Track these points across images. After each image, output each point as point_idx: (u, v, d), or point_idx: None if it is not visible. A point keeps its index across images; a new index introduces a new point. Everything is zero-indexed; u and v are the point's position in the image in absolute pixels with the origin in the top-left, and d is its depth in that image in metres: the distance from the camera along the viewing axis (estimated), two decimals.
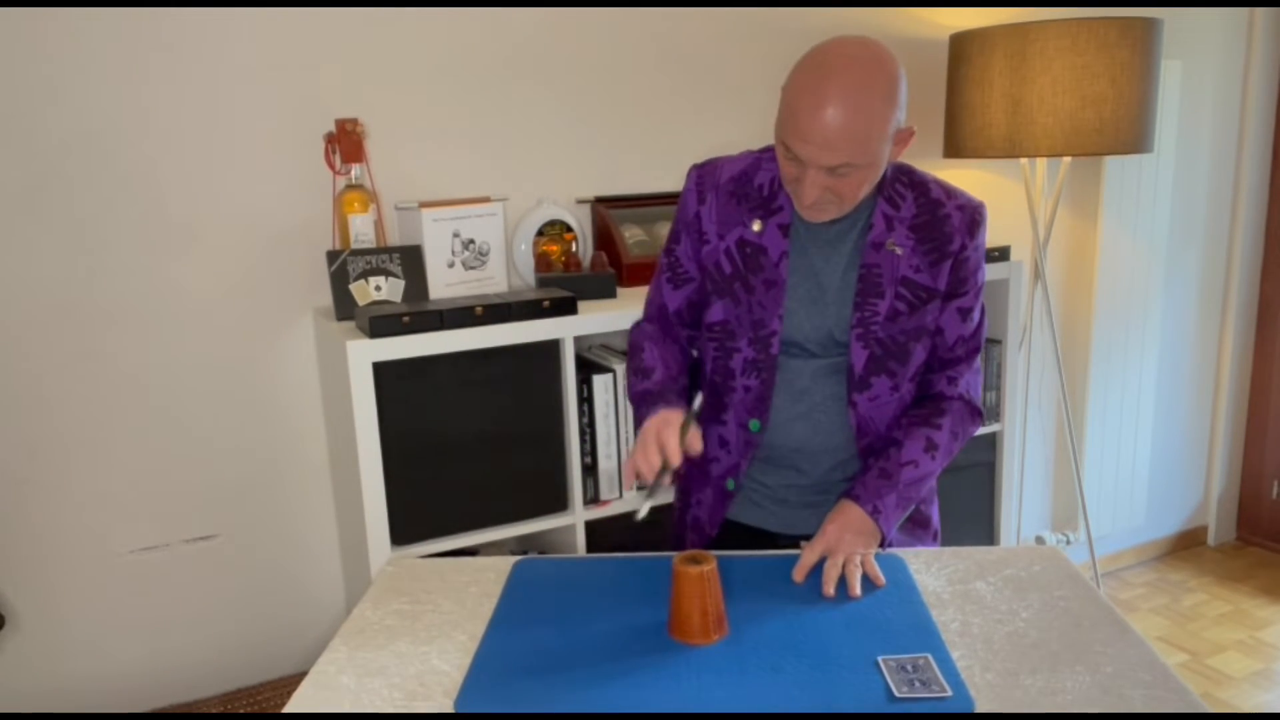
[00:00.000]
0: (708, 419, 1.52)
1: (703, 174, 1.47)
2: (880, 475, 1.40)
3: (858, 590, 1.30)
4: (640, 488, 1.33)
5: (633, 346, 1.53)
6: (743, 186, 1.44)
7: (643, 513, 1.30)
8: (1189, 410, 3.32)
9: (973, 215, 1.41)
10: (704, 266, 1.47)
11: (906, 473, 1.40)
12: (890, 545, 1.46)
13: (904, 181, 1.41)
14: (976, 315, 1.47)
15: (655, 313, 1.54)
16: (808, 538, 1.50)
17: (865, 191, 1.31)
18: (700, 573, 1.21)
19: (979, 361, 1.50)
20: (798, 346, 1.43)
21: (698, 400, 1.37)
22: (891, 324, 1.41)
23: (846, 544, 1.35)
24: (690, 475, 1.58)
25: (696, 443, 1.32)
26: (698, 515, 1.56)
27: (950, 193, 1.42)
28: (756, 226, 1.41)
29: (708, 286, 1.47)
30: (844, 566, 1.34)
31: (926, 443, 1.43)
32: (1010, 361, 2.44)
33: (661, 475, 1.29)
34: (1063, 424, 3.07)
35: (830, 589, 1.30)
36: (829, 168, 1.25)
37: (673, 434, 1.30)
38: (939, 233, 1.40)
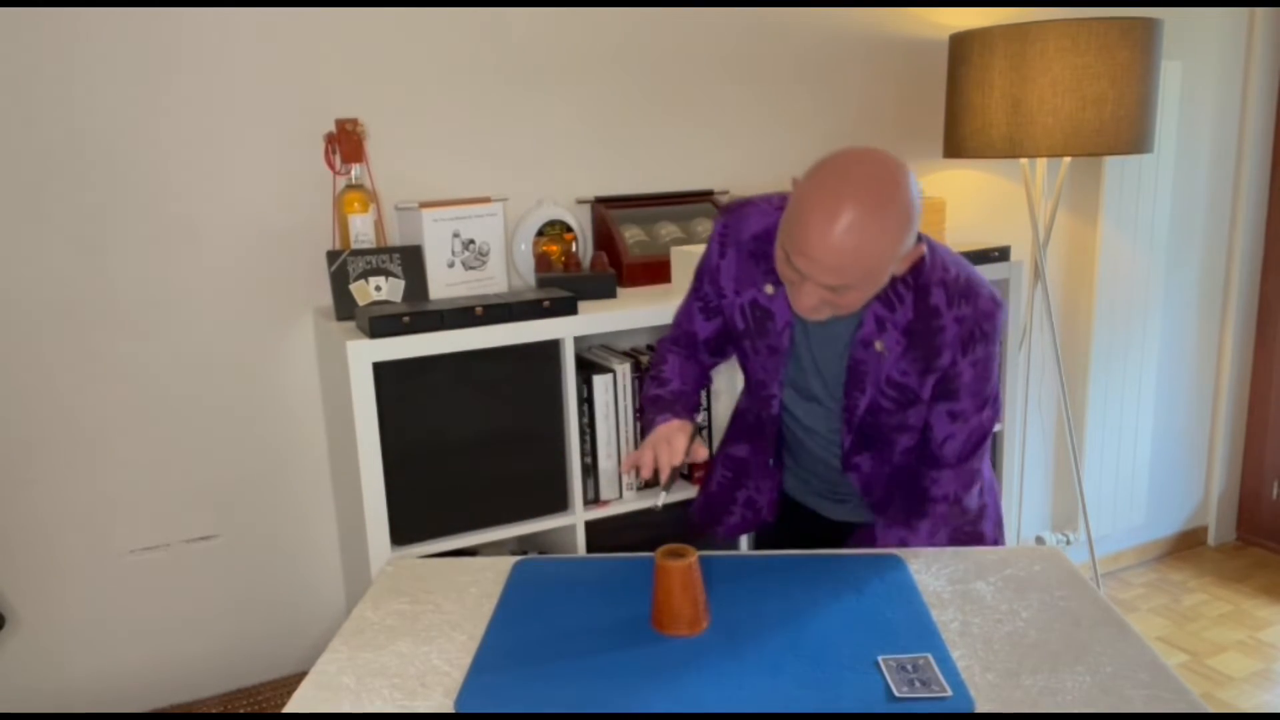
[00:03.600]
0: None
1: (727, 226, 1.44)
2: None
3: None
4: (649, 484, 1.44)
5: (657, 355, 1.59)
6: (763, 245, 1.40)
7: (660, 502, 1.40)
8: (1189, 410, 3.32)
9: (973, 329, 1.33)
10: (724, 314, 1.50)
11: None
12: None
13: (906, 283, 1.34)
14: (971, 419, 1.41)
15: (684, 338, 1.56)
16: (859, 525, 1.61)
17: (864, 301, 1.27)
18: (685, 565, 1.23)
19: (978, 462, 1.45)
20: (794, 415, 1.51)
21: (700, 419, 1.42)
22: (872, 418, 1.42)
23: None
24: (744, 464, 1.63)
25: (701, 451, 1.40)
26: (753, 497, 1.62)
27: (954, 299, 1.33)
28: (769, 290, 1.40)
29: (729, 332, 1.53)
30: None
31: (899, 542, 1.48)
32: (1010, 361, 2.45)
33: (674, 473, 1.37)
34: (1063, 424, 3.07)
35: None
36: (827, 286, 1.22)
37: (683, 439, 1.38)
38: (929, 345, 1.34)
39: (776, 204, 1.42)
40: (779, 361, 1.43)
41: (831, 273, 1.19)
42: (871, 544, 1.50)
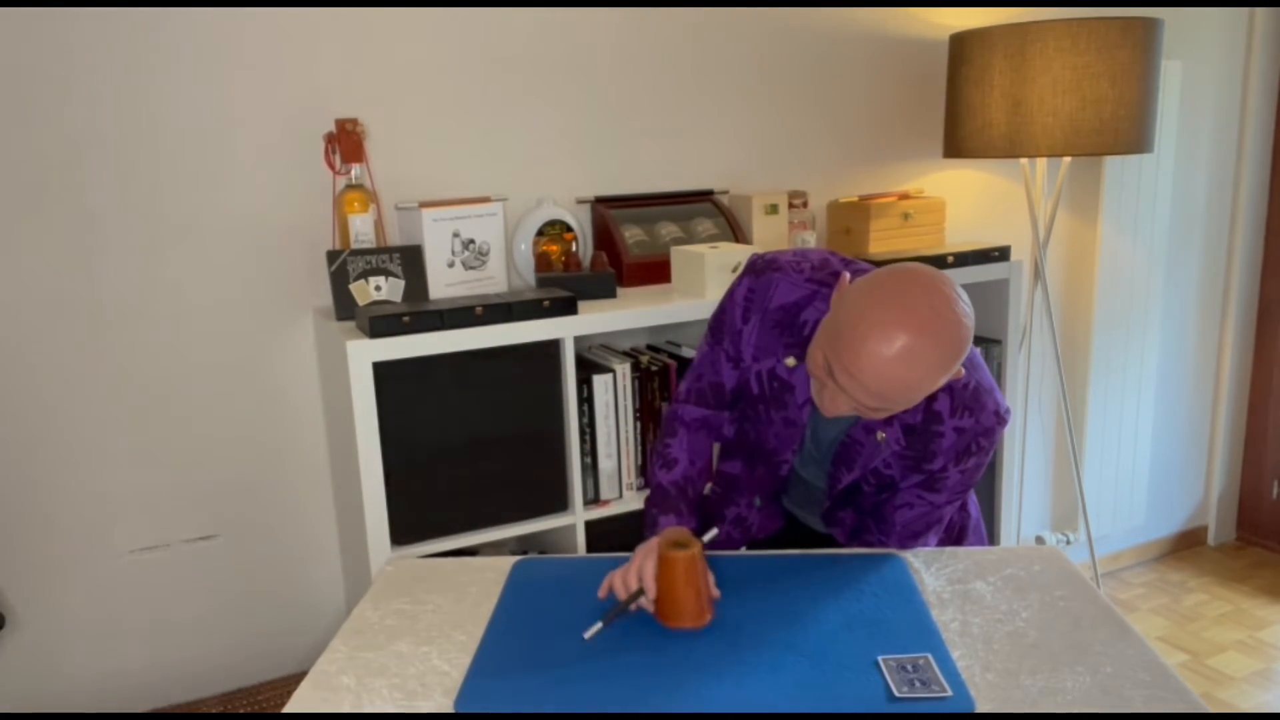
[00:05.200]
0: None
1: (754, 291, 1.38)
2: None
3: None
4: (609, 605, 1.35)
5: (667, 423, 1.51)
6: (788, 318, 1.35)
7: (590, 633, 1.26)
8: (1189, 410, 3.32)
9: (970, 442, 1.31)
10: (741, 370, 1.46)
11: None
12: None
13: None
14: (937, 504, 1.40)
15: (708, 391, 1.47)
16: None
17: (887, 416, 1.24)
18: (689, 556, 1.22)
19: (923, 542, 1.46)
20: (799, 473, 1.50)
21: (710, 535, 1.33)
22: (849, 493, 1.44)
23: None
24: (736, 481, 1.59)
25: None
26: (744, 514, 1.57)
27: (958, 408, 1.30)
28: (790, 363, 1.35)
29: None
30: None
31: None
32: (1010, 361, 2.45)
33: (632, 599, 1.27)
34: (1063, 424, 3.07)
35: None
36: (862, 404, 1.18)
37: (653, 564, 1.28)
38: (924, 449, 1.33)
39: (807, 274, 1.36)
40: (795, 433, 1.40)
41: (872, 397, 1.15)
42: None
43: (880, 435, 1.33)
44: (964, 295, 1.17)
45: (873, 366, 1.12)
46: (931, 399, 1.30)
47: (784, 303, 1.35)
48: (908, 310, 1.12)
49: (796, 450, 1.43)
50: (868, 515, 1.47)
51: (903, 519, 1.42)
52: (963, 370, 1.24)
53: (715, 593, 1.30)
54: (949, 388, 1.30)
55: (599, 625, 1.25)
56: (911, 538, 1.44)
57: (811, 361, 1.22)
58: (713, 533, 1.32)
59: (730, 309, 1.40)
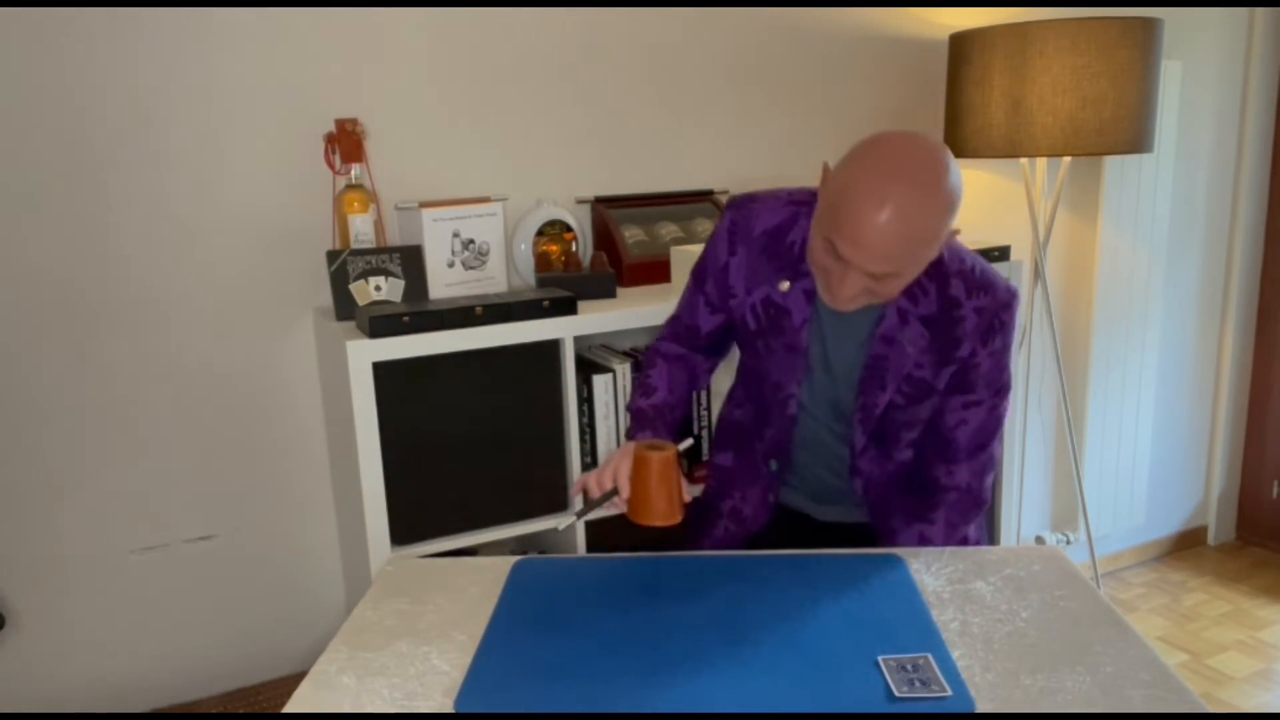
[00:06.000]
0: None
1: (736, 221, 1.40)
2: None
3: None
4: (584, 502, 1.41)
5: (647, 359, 1.55)
6: (775, 242, 1.37)
7: (563, 525, 1.40)
8: (1189, 410, 3.32)
9: (992, 319, 1.34)
10: (730, 314, 1.46)
11: None
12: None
13: (929, 273, 1.34)
14: (985, 407, 1.41)
15: (684, 333, 1.51)
16: (848, 526, 1.59)
17: (901, 289, 1.24)
18: (664, 457, 1.29)
19: (991, 450, 1.46)
20: (810, 413, 1.47)
21: (686, 443, 1.39)
22: (887, 415, 1.42)
23: None
24: (730, 474, 1.60)
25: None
26: (738, 507, 1.58)
27: (973, 290, 1.33)
28: (784, 286, 1.36)
29: (735, 331, 1.49)
30: None
31: (919, 538, 1.48)
32: (1010, 361, 2.44)
33: (605, 498, 1.35)
34: (1063, 424, 3.07)
35: None
36: (874, 274, 1.19)
37: (628, 465, 1.34)
38: (949, 336, 1.34)
39: (785, 199, 1.38)
40: (796, 360, 1.39)
41: (881, 259, 1.16)
42: (890, 543, 1.50)
43: (904, 335, 1.34)
44: (943, 145, 1.20)
45: (873, 226, 1.14)
46: (945, 286, 1.32)
47: (768, 227, 1.37)
48: (894, 165, 1.14)
49: (802, 381, 1.41)
50: (928, 449, 1.45)
51: (964, 436, 1.42)
52: (959, 237, 1.28)
53: (687, 495, 1.35)
54: (960, 273, 1.33)
55: (571, 520, 1.36)
56: (978, 450, 1.43)
57: (813, 252, 1.24)
58: (688, 441, 1.39)
59: (714, 248, 1.42)
